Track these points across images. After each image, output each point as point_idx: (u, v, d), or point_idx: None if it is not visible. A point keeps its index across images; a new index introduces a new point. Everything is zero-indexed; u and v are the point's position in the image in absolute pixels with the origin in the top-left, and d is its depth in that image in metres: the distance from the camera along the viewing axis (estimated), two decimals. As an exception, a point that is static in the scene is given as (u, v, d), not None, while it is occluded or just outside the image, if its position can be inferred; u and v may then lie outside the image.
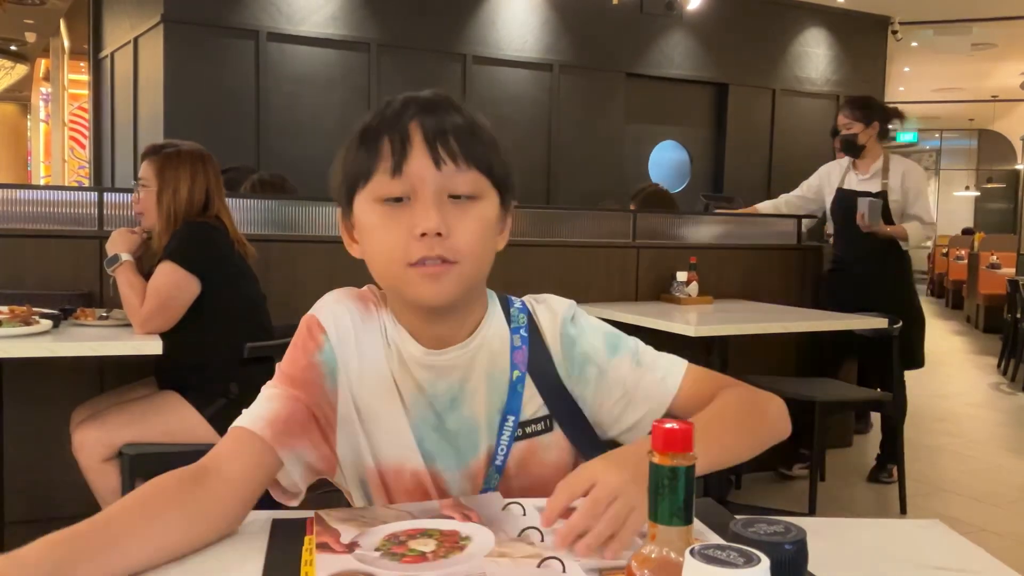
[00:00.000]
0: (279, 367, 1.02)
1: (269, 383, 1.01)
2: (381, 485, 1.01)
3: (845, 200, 3.84)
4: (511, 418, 1.00)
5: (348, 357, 1.00)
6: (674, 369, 1.06)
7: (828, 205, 3.98)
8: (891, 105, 4.01)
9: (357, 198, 0.96)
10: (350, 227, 1.00)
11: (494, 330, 1.03)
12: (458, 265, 0.92)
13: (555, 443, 1.04)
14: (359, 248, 0.99)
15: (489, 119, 1.01)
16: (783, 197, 4.23)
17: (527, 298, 1.09)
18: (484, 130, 0.96)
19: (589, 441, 1.04)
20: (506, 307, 1.06)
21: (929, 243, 4.17)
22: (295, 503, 1.00)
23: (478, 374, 1.01)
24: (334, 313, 1.01)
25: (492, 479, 1.01)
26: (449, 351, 1.00)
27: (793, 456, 3.91)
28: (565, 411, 1.03)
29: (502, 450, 1.00)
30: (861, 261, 3.82)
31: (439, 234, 0.90)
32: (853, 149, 3.83)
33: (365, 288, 1.06)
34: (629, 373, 1.05)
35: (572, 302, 1.09)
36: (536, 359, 1.03)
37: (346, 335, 1.00)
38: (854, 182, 3.87)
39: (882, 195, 3.75)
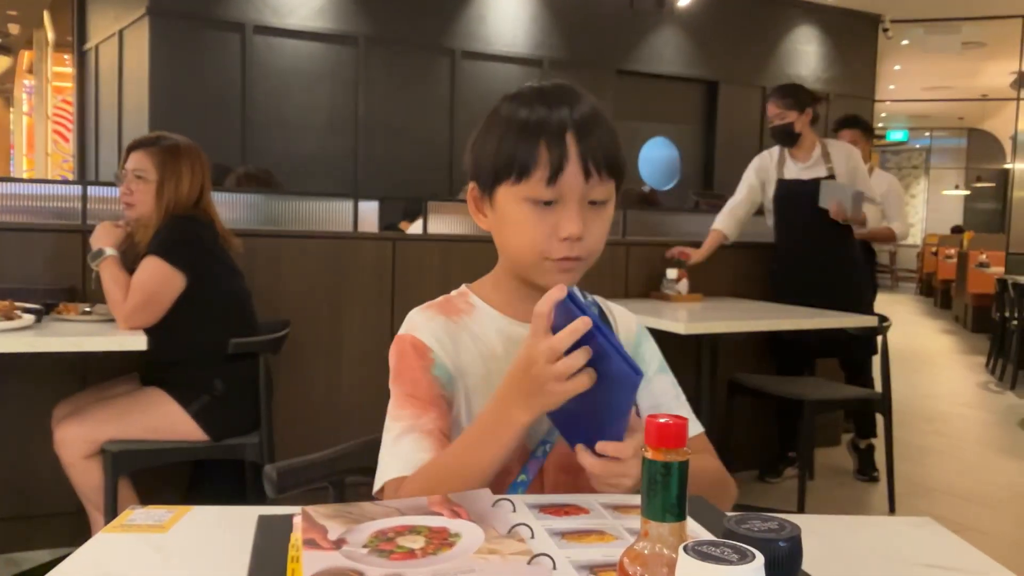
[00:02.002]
0: (402, 392, 1.08)
1: (404, 415, 1.06)
2: None
3: (790, 190, 3.73)
4: None
5: (453, 364, 1.09)
6: (695, 423, 1.17)
7: (769, 198, 3.84)
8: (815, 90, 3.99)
9: (503, 188, 1.06)
10: (481, 201, 1.11)
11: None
12: (586, 260, 1.08)
13: None
14: (488, 223, 1.11)
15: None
16: (733, 211, 3.91)
17: (595, 297, 1.22)
18: (616, 134, 1.08)
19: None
20: (582, 295, 1.20)
21: (885, 223, 4.17)
22: None
23: None
24: (430, 329, 1.10)
25: (552, 434, 1.07)
26: None
27: (781, 460, 3.90)
28: None
29: None
30: (819, 250, 3.73)
31: (580, 239, 1.05)
32: (790, 138, 3.72)
33: (442, 299, 1.16)
34: (664, 395, 1.18)
35: None
36: None
37: (445, 345, 1.10)
38: (795, 171, 3.74)
39: (832, 180, 3.66)
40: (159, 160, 2.46)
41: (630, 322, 1.22)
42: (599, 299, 1.21)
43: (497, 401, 0.98)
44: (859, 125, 4.48)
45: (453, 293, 1.17)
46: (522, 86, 1.10)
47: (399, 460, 1.02)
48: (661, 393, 1.18)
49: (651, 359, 1.21)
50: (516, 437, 0.96)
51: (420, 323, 1.11)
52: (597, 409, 0.94)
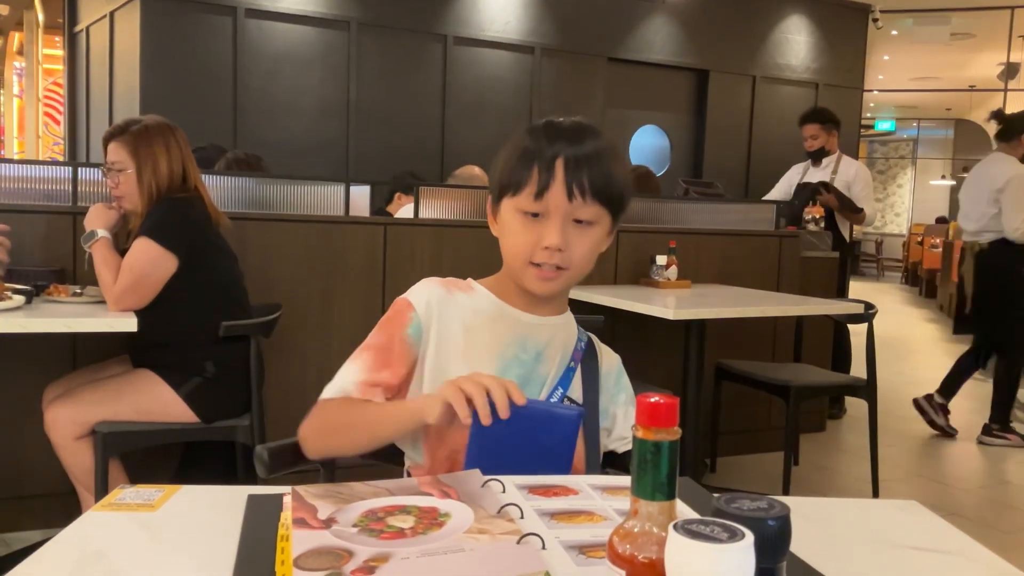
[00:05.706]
0: (376, 342, 1.23)
1: (367, 360, 1.21)
2: (438, 438, 1.19)
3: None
4: (560, 390, 1.27)
5: (428, 324, 1.24)
6: None
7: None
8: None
9: (505, 200, 1.22)
10: (493, 211, 1.27)
11: (573, 323, 1.33)
12: (567, 271, 1.21)
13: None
14: (496, 230, 1.27)
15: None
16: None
17: (590, 335, 1.38)
18: (614, 166, 1.21)
19: (594, 438, 1.29)
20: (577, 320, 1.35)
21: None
22: None
23: (557, 343, 1.28)
24: (423, 293, 1.26)
25: None
26: (548, 318, 1.28)
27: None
28: (591, 407, 1.30)
29: None
30: None
31: (559, 249, 1.18)
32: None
33: (449, 279, 1.31)
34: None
35: None
36: (588, 366, 1.31)
37: (431, 307, 1.25)
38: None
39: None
40: (131, 148, 2.43)
41: (612, 359, 1.38)
42: (594, 337, 1.36)
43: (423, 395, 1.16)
44: (820, 118, 4.58)
45: (460, 280, 1.31)
46: (543, 119, 1.25)
47: (334, 388, 1.21)
48: (631, 423, 1.27)
49: (625, 388, 1.36)
50: (411, 421, 1.10)
51: (418, 289, 1.27)
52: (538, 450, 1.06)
